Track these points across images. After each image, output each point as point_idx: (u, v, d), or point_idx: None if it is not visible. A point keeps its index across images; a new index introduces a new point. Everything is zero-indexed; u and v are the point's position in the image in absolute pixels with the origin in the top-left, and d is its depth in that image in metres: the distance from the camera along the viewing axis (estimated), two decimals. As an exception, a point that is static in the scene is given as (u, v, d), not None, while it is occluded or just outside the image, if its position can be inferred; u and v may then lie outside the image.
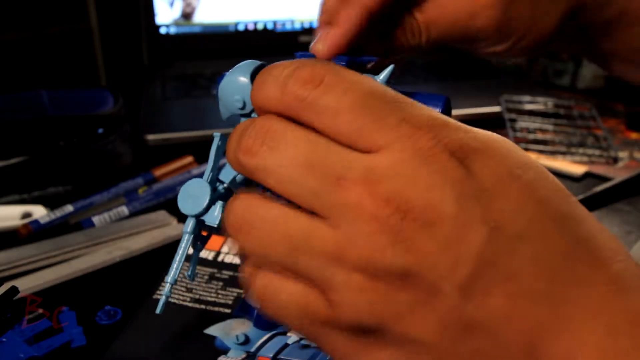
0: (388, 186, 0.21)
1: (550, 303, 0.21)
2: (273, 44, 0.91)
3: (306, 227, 0.21)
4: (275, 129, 0.22)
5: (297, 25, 0.91)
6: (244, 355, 0.38)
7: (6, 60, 0.90)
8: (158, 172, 0.61)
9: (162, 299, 0.28)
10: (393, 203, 0.20)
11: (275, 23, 0.91)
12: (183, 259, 0.28)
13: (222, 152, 0.28)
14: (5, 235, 0.52)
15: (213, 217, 0.27)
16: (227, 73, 0.28)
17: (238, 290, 0.45)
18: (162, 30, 0.90)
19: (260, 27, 0.91)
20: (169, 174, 0.62)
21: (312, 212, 0.22)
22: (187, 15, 0.90)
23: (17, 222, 0.53)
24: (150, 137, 0.68)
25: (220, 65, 0.88)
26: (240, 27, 0.91)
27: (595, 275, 0.21)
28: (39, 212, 0.55)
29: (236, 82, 0.27)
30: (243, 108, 0.27)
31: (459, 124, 0.22)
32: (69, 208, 0.55)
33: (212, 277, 0.46)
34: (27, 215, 0.54)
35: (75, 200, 0.56)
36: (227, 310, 0.43)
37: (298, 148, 0.22)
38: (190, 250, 0.29)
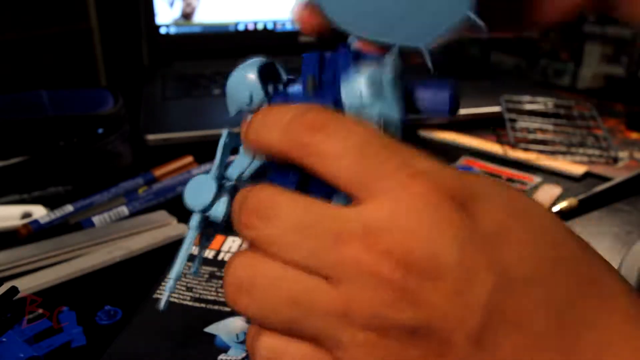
0: (387, 240, 0.20)
1: (561, 349, 0.20)
2: (273, 44, 0.91)
3: (309, 287, 0.21)
4: (268, 199, 0.22)
5: (297, 25, 0.91)
6: (244, 354, 0.38)
7: (6, 60, 0.90)
8: (158, 172, 0.61)
9: (166, 295, 0.28)
10: (394, 257, 0.20)
11: (275, 23, 0.91)
12: (187, 255, 0.28)
13: (229, 149, 0.28)
14: (5, 235, 0.52)
15: (217, 212, 0.27)
16: (235, 70, 0.28)
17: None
18: (162, 30, 0.90)
19: (260, 27, 0.91)
20: (169, 174, 0.62)
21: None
22: (187, 15, 0.90)
23: (17, 222, 0.53)
24: (150, 137, 0.68)
25: (220, 65, 0.88)
26: (240, 27, 0.91)
27: (605, 316, 0.21)
28: (39, 212, 0.54)
29: (244, 78, 0.28)
30: (250, 104, 0.27)
31: (458, 169, 0.22)
32: (69, 208, 0.55)
33: (212, 276, 0.46)
34: (27, 215, 0.54)
35: (75, 200, 0.56)
36: (228, 309, 0.43)
37: (292, 213, 0.22)
38: (195, 252, 0.29)
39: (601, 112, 0.77)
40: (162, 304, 0.28)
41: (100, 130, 0.60)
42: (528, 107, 0.77)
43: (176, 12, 0.89)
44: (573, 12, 0.33)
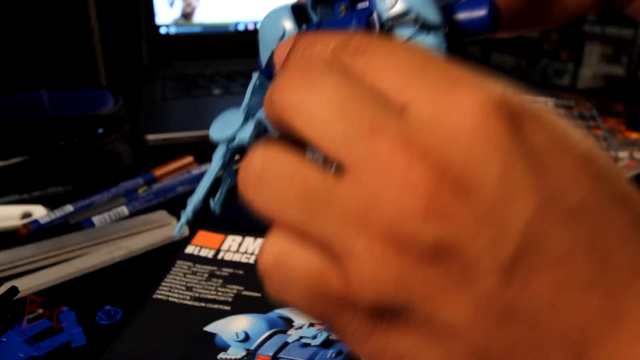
0: (426, 139, 0.18)
1: (603, 294, 0.18)
2: (273, 44, 0.91)
3: (327, 183, 0.19)
4: (317, 68, 0.20)
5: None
6: (243, 353, 0.38)
7: (6, 60, 0.90)
8: (158, 172, 0.61)
9: (183, 220, 0.27)
10: (428, 161, 0.18)
11: (275, 23, 0.90)
12: (210, 183, 0.27)
13: (258, 92, 0.27)
14: (5, 235, 0.52)
15: (244, 135, 0.26)
16: (267, 12, 0.27)
17: (238, 287, 0.45)
18: (162, 30, 0.90)
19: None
20: (169, 174, 0.62)
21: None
22: (187, 15, 0.90)
23: (17, 222, 0.53)
24: (150, 137, 0.68)
25: (220, 65, 0.88)
26: (240, 27, 0.91)
27: None
28: (39, 212, 0.54)
29: (278, 19, 0.27)
30: (283, 37, 0.27)
31: (516, 90, 0.20)
32: (69, 208, 0.55)
33: (211, 275, 0.46)
34: (27, 215, 0.54)
35: (75, 200, 0.56)
36: (227, 308, 0.43)
37: (337, 89, 0.19)
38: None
39: (601, 112, 0.77)
40: (177, 230, 0.27)
41: (100, 130, 0.60)
42: (528, 107, 0.76)
43: (176, 12, 0.89)
44: (581, 13, 0.32)
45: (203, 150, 0.65)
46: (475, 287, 0.18)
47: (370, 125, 0.18)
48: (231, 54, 0.91)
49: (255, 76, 0.27)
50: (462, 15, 0.27)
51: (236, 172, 0.26)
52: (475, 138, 0.18)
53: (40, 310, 0.41)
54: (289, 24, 0.27)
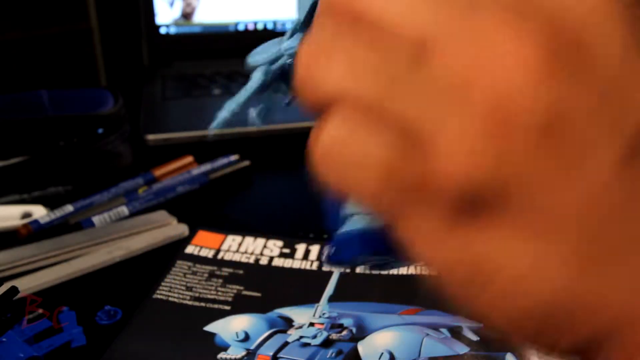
0: (534, 3, 0.15)
1: None
2: (273, 44, 0.91)
3: (414, 60, 0.15)
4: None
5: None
6: (243, 353, 0.38)
7: (6, 60, 0.90)
8: (158, 172, 0.61)
9: (222, 115, 0.25)
10: (540, 18, 0.14)
11: (275, 23, 0.91)
12: (248, 95, 0.25)
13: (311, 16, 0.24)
14: (5, 235, 0.52)
15: (292, 45, 0.24)
16: None
17: (238, 287, 0.45)
18: (162, 30, 0.90)
19: (260, 27, 0.91)
20: (169, 174, 0.62)
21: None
22: (187, 15, 0.90)
23: (17, 222, 0.53)
24: (150, 137, 0.68)
25: (220, 65, 0.88)
26: (240, 27, 0.91)
27: None
28: (39, 212, 0.54)
29: None
30: None
31: None
32: (69, 208, 0.55)
33: (211, 275, 0.46)
34: (27, 215, 0.54)
35: (75, 200, 0.56)
36: (227, 308, 0.43)
37: None
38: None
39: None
40: (214, 125, 0.25)
41: (100, 130, 0.60)
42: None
43: (176, 12, 0.89)
44: None
45: (203, 150, 0.65)
46: (593, 171, 0.15)
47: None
48: (231, 54, 0.90)
49: (294, 23, 0.25)
50: None
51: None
52: (595, 6, 0.15)
53: (40, 310, 0.41)
54: None
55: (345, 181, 0.16)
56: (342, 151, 0.16)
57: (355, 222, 0.23)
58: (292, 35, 0.25)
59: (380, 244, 0.21)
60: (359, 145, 0.16)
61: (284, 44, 0.25)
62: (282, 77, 0.25)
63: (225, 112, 0.25)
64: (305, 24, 0.25)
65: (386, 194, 0.16)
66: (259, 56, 0.25)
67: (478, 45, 0.14)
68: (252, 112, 0.26)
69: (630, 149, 0.15)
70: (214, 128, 0.25)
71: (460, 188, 0.15)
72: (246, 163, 0.63)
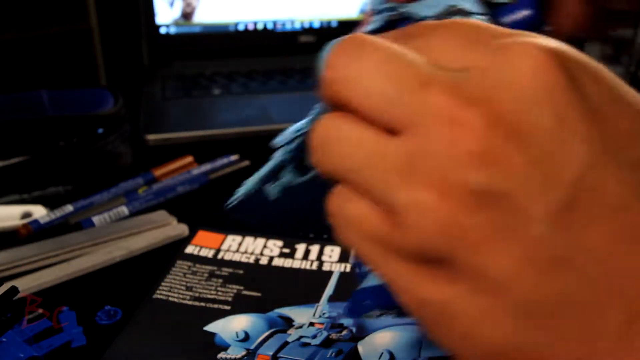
0: (477, 88, 0.18)
1: None
2: (273, 44, 0.91)
3: (380, 142, 0.19)
4: (360, 40, 0.21)
5: (297, 25, 0.91)
6: (243, 353, 0.38)
7: (6, 60, 0.90)
8: (158, 172, 0.61)
9: (242, 191, 0.30)
10: (480, 105, 0.18)
11: (275, 23, 0.91)
12: (269, 170, 0.30)
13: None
14: (5, 235, 0.52)
15: (304, 126, 0.27)
16: None
17: (238, 287, 0.45)
18: (162, 30, 0.90)
19: (260, 27, 0.91)
20: (169, 174, 0.62)
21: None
22: (187, 15, 0.90)
23: (17, 222, 0.53)
24: (150, 137, 0.68)
25: (220, 65, 0.88)
26: (240, 27, 0.91)
27: None
28: (39, 212, 0.55)
29: None
30: None
31: (566, 45, 0.20)
32: (69, 208, 0.55)
33: (211, 275, 0.46)
34: (27, 215, 0.54)
35: (75, 200, 0.56)
36: (227, 307, 0.43)
37: (385, 55, 0.20)
38: None
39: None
40: (233, 200, 0.30)
41: (100, 130, 0.60)
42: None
43: (176, 12, 0.89)
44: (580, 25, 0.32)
45: (203, 150, 0.65)
46: (525, 234, 0.17)
47: (420, 81, 0.19)
48: (231, 54, 0.91)
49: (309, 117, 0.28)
50: (508, 20, 0.28)
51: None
52: (529, 85, 0.18)
53: (40, 310, 0.41)
54: None
55: (342, 236, 0.21)
56: (337, 214, 0.21)
57: (370, 279, 0.28)
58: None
59: (390, 298, 0.24)
60: (346, 211, 0.21)
61: (298, 126, 0.28)
62: (299, 155, 0.29)
63: (243, 189, 0.29)
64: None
65: (365, 247, 0.20)
66: (281, 138, 0.29)
67: (429, 121, 0.18)
68: (269, 188, 0.31)
69: (564, 203, 0.17)
70: (235, 200, 0.29)
71: (416, 249, 0.19)
72: (246, 163, 0.63)
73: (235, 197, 0.29)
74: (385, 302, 0.27)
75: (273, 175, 0.30)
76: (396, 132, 0.19)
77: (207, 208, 0.58)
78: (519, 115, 0.17)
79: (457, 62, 0.19)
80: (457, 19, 0.22)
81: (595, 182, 0.17)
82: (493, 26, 0.21)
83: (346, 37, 0.21)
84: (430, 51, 0.20)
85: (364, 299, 0.28)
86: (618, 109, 0.18)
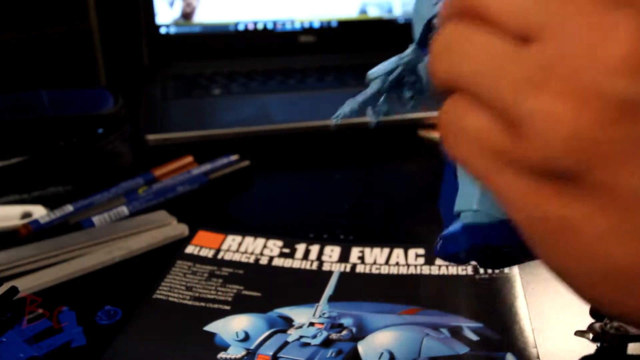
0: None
1: None
2: (273, 44, 0.91)
3: (510, 47, 0.18)
4: None
5: (297, 25, 0.91)
6: (243, 353, 0.38)
7: (6, 60, 0.90)
8: (158, 172, 0.61)
9: (344, 110, 0.30)
10: (629, 6, 0.16)
11: (275, 23, 0.91)
12: (367, 97, 0.30)
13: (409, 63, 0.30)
14: (5, 235, 0.52)
15: (407, 57, 0.28)
16: None
17: (238, 287, 0.45)
18: (162, 30, 0.90)
19: (260, 27, 0.91)
20: (169, 174, 0.62)
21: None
22: (187, 15, 0.90)
23: (17, 222, 0.53)
24: (150, 137, 0.68)
25: (220, 65, 0.88)
26: (240, 27, 0.91)
27: None
28: (39, 212, 0.55)
29: None
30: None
31: None
32: (69, 208, 0.55)
33: (211, 275, 0.46)
34: (27, 215, 0.54)
35: (75, 200, 0.56)
36: (227, 307, 0.43)
37: None
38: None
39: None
40: (334, 118, 0.31)
41: (100, 130, 0.60)
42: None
43: (176, 12, 0.89)
44: None
45: (203, 150, 0.65)
46: None
47: None
48: (231, 54, 0.91)
49: (410, 49, 0.30)
50: None
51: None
52: None
53: (40, 310, 0.41)
54: None
55: (454, 148, 0.20)
56: (450, 126, 0.20)
57: (463, 218, 0.26)
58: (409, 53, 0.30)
59: (489, 237, 0.24)
60: (462, 122, 0.19)
61: (401, 58, 0.29)
62: (397, 85, 0.30)
63: (346, 107, 0.30)
64: (420, 42, 0.29)
65: (483, 163, 0.19)
66: (378, 69, 0.30)
67: (570, 24, 0.17)
68: (370, 111, 0.31)
69: None
70: (336, 119, 0.30)
71: (542, 164, 0.17)
72: (246, 163, 0.63)
73: (338, 114, 0.30)
74: (484, 241, 0.25)
75: (371, 102, 0.30)
76: (529, 40, 0.18)
77: (207, 208, 0.58)
78: None
79: None
80: None
81: None
82: None
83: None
84: None
85: (454, 239, 0.26)
86: None
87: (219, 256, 0.49)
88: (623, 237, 0.17)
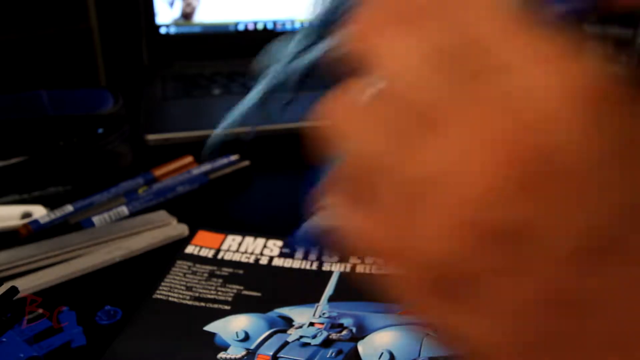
0: (517, 116, 0.17)
1: None
2: (273, 44, 0.91)
3: (404, 136, 0.18)
4: (417, 5, 0.19)
5: (297, 25, 0.91)
6: (243, 353, 0.38)
7: (6, 60, 0.90)
8: (158, 172, 0.61)
9: (233, 116, 0.28)
10: (516, 138, 0.17)
11: (275, 23, 0.91)
12: (258, 97, 0.27)
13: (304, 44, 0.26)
14: (5, 235, 0.52)
15: (312, 56, 0.25)
16: None
17: (237, 287, 0.45)
18: (162, 30, 0.90)
19: (260, 27, 0.91)
20: (169, 174, 0.62)
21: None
22: (187, 15, 0.90)
23: (17, 222, 0.53)
24: (150, 137, 0.68)
25: (220, 65, 0.88)
26: (240, 27, 0.91)
27: None
28: (39, 212, 0.54)
29: None
30: None
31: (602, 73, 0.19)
32: (69, 208, 0.55)
33: (211, 275, 0.46)
34: (27, 215, 0.54)
35: (75, 200, 0.55)
36: (227, 307, 0.43)
37: (437, 38, 0.18)
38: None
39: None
40: (208, 146, 0.28)
41: (100, 130, 0.60)
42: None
43: (176, 12, 0.89)
44: None
45: (203, 150, 0.65)
46: (545, 270, 0.17)
47: (471, 73, 0.18)
48: (231, 54, 0.91)
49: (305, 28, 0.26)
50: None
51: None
52: (566, 123, 0.17)
53: (40, 310, 0.41)
54: None
55: (340, 245, 0.20)
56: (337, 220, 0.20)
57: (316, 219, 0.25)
58: (302, 38, 0.26)
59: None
60: (347, 221, 0.20)
61: (293, 48, 0.26)
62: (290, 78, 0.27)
63: (236, 113, 0.27)
64: (317, 27, 0.26)
65: (369, 258, 0.20)
66: (270, 57, 0.26)
67: (464, 138, 0.17)
68: (264, 111, 0.28)
69: (589, 245, 0.16)
70: (223, 129, 0.27)
71: (430, 275, 0.18)
72: (246, 163, 0.63)
73: (224, 124, 0.27)
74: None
75: (262, 102, 0.27)
76: (425, 121, 0.18)
77: (207, 208, 0.58)
78: (553, 153, 0.17)
79: (500, 49, 0.18)
80: None
81: (622, 228, 0.17)
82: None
83: None
84: (475, 20, 0.19)
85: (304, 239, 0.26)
86: None
87: (219, 256, 0.49)
88: (497, 344, 0.18)
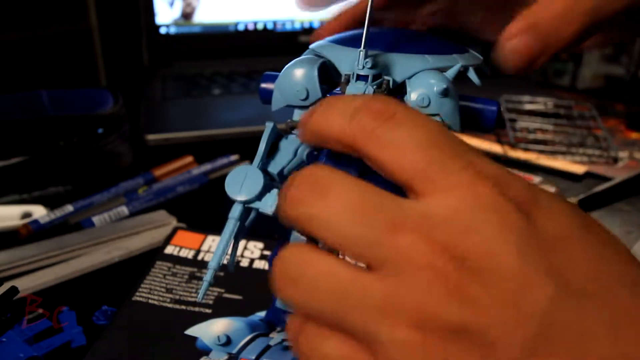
0: (446, 233, 0.19)
1: None
2: (273, 44, 0.91)
3: (354, 279, 0.20)
4: (325, 176, 0.21)
5: (297, 25, 0.91)
6: (225, 357, 0.38)
7: (6, 60, 0.90)
8: (158, 172, 0.61)
9: (205, 285, 0.28)
10: (450, 251, 0.19)
11: (275, 23, 0.91)
12: (227, 245, 0.28)
13: (272, 141, 0.29)
14: (5, 235, 0.52)
15: (267, 206, 0.27)
16: (290, 64, 0.28)
17: (219, 290, 0.44)
18: (162, 30, 0.90)
19: (260, 27, 0.91)
20: (169, 174, 0.62)
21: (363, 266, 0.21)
22: (187, 15, 0.90)
23: (17, 222, 0.53)
24: (150, 137, 0.68)
25: (220, 65, 0.88)
26: (240, 27, 0.91)
27: None
28: (39, 212, 0.54)
29: (303, 75, 0.28)
30: (305, 99, 0.28)
31: (524, 179, 0.22)
32: (69, 208, 0.55)
33: (192, 277, 0.45)
34: (27, 215, 0.54)
35: (75, 200, 0.56)
36: (208, 311, 0.42)
37: (349, 195, 0.20)
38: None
39: (601, 112, 0.77)
40: (200, 295, 0.29)
41: (100, 130, 0.60)
42: (528, 107, 0.77)
43: (176, 12, 0.89)
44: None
45: (203, 150, 0.65)
46: None
47: (390, 225, 0.20)
48: (231, 54, 0.91)
49: (269, 126, 0.28)
50: (473, 111, 0.29)
51: (247, 228, 0.29)
52: (494, 232, 0.19)
53: (40, 310, 0.41)
54: (313, 81, 0.28)
55: None
56: (312, 352, 0.22)
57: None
58: (267, 147, 0.29)
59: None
60: (323, 349, 0.21)
61: (258, 198, 0.27)
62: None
63: (209, 274, 0.28)
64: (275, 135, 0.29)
65: None
66: (236, 191, 0.27)
67: (403, 265, 0.20)
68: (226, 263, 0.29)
69: (533, 337, 0.18)
70: (201, 298, 0.29)
71: None
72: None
73: (205, 287, 0.28)
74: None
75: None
76: (370, 268, 0.20)
77: (207, 208, 0.58)
78: (485, 258, 0.19)
79: (414, 178, 0.21)
80: (421, 114, 0.22)
81: (559, 314, 0.19)
82: (451, 139, 0.21)
83: (306, 170, 0.22)
84: (387, 151, 0.21)
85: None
86: (569, 243, 0.20)
87: (199, 257, 0.48)
88: None
